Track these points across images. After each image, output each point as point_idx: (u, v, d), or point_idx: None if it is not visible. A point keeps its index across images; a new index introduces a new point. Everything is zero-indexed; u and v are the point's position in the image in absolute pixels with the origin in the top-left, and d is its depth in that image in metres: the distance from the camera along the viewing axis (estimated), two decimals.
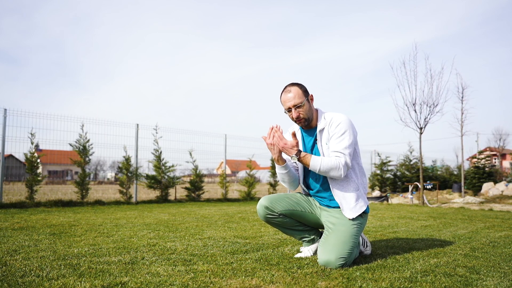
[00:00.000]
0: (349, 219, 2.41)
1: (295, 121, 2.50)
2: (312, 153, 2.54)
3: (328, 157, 2.36)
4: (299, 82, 2.51)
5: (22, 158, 7.91)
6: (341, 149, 2.35)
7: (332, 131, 2.42)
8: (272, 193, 11.44)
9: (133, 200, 8.82)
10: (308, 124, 2.50)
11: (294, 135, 2.37)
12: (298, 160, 2.36)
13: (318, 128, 2.47)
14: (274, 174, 11.58)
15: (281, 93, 2.50)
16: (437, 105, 8.99)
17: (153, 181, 9.25)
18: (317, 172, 2.37)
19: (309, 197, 2.63)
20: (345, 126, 2.39)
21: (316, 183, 2.57)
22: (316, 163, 2.33)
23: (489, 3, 61.68)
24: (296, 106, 2.42)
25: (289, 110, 2.46)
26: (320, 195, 2.57)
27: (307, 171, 2.61)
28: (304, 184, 2.65)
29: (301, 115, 2.44)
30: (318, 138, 2.48)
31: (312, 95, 2.52)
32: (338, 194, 2.44)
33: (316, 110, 2.56)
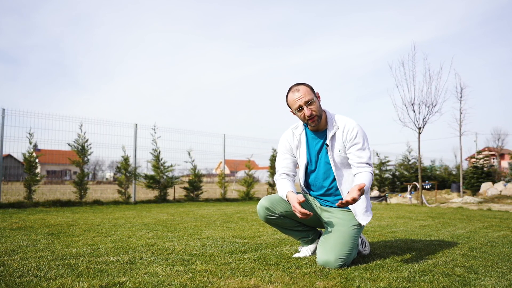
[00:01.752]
0: (356, 220, 2.42)
1: (307, 121, 2.41)
2: (318, 156, 2.52)
3: (363, 175, 2.33)
4: (304, 82, 2.47)
5: (20, 158, 7.90)
6: (367, 159, 2.39)
7: (348, 140, 2.40)
8: (271, 193, 11.44)
9: (132, 200, 8.81)
10: (319, 123, 2.45)
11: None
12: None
13: (330, 134, 2.44)
14: (273, 174, 11.59)
15: (288, 94, 2.44)
16: (435, 105, 9.02)
17: (152, 181, 9.25)
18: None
19: (309, 197, 2.63)
20: (362, 136, 2.42)
21: (323, 187, 2.55)
22: (367, 187, 2.31)
23: (489, 3, 61.84)
24: (308, 103, 2.36)
25: (299, 109, 2.38)
26: (324, 198, 2.57)
27: (308, 174, 2.60)
28: (305, 185, 2.65)
29: (314, 112, 2.38)
30: (329, 143, 2.44)
31: (318, 93, 2.48)
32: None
33: (324, 111, 2.51)
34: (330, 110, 2.55)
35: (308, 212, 2.20)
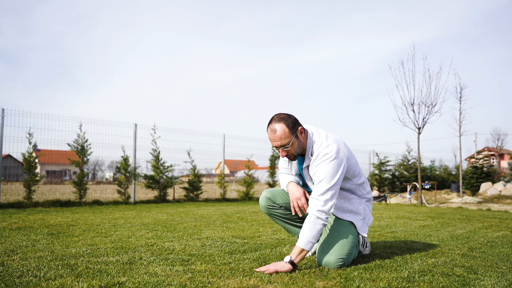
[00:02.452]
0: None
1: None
2: (300, 179, 2.54)
3: (306, 224, 2.21)
4: (286, 115, 2.27)
5: (20, 158, 7.89)
6: (316, 195, 2.22)
7: (313, 174, 2.29)
8: None
9: (131, 200, 8.81)
10: (296, 158, 2.38)
11: None
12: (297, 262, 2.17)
13: (304, 165, 2.36)
14: (272, 174, 11.58)
15: (267, 127, 2.29)
16: (435, 105, 9.01)
17: (152, 181, 9.24)
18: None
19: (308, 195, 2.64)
20: (325, 171, 2.22)
21: None
22: (308, 246, 2.16)
23: (489, 3, 61.84)
24: (283, 147, 2.25)
25: (276, 147, 2.29)
26: None
27: (305, 185, 2.61)
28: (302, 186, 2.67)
29: (289, 153, 2.29)
30: (304, 173, 2.40)
31: (302, 128, 2.30)
32: (347, 216, 2.43)
33: (307, 135, 2.35)
34: (317, 129, 2.40)
35: (299, 213, 2.25)
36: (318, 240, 2.25)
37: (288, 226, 2.69)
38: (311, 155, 2.31)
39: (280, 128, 2.23)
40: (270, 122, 2.28)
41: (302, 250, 2.15)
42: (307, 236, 2.16)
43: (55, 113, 8.46)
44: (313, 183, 2.29)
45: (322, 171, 2.23)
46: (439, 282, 1.93)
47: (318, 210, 2.19)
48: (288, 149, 2.27)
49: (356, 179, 2.46)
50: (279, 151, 2.30)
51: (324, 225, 2.21)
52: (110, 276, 1.98)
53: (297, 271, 2.12)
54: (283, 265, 2.11)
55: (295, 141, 2.27)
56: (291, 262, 2.12)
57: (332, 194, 2.22)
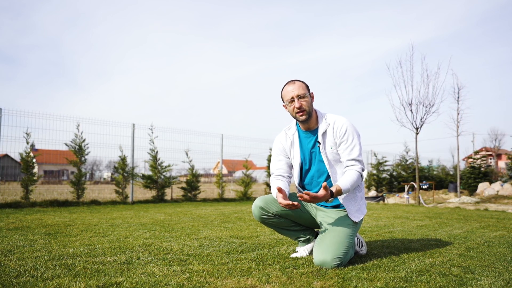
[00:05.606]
0: (351, 220, 2.44)
1: (296, 114, 2.44)
2: (312, 155, 2.53)
3: (348, 174, 2.36)
4: (302, 80, 2.54)
5: (17, 158, 7.87)
6: (356, 156, 2.41)
7: (338, 137, 2.44)
8: (269, 193, 11.44)
9: (129, 200, 8.79)
10: (308, 119, 2.47)
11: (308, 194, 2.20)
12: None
13: (321, 131, 2.47)
14: (270, 174, 11.58)
15: (283, 87, 2.51)
16: (433, 105, 9.03)
17: (149, 181, 9.23)
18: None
19: None
20: (351, 132, 2.43)
21: (316, 187, 2.55)
22: (347, 188, 2.32)
23: (488, 2, 61.97)
24: (300, 97, 2.42)
25: (291, 101, 2.43)
26: None
27: (303, 174, 2.60)
28: (300, 185, 2.65)
29: (304, 106, 2.42)
30: (321, 140, 2.47)
31: (313, 93, 2.54)
32: (344, 197, 2.45)
33: (315, 110, 2.54)
34: (321, 109, 2.60)
35: (292, 203, 2.20)
36: (350, 189, 2.36)
37: (283, 231, 2.64)
38: (326, 121, 2.49)
39: (298, 82, 2.49)
40: (286, 83, 2.52)
41: (341, 190, 2.29)
42: (348, 184, 2.32)
43: (53, 112, 8.41)
44: (337, 146, 2.45)
45: (349, 131, 2.44)
46: (436, 282, 1.93)
47: (362, 168, 2.42)
48: (305, 100, 2.44)
49: None
50: (293, 105, 2.43)
51: (360, 182, 2.46)
52: (107, 276, 1.97)
53: (294, 270, 2.12)
54: (324, 198, 2.24)
55: (308, 98, 2.47)
56: (331, 193, 2.26)
57: (362, 153, 2.48)
